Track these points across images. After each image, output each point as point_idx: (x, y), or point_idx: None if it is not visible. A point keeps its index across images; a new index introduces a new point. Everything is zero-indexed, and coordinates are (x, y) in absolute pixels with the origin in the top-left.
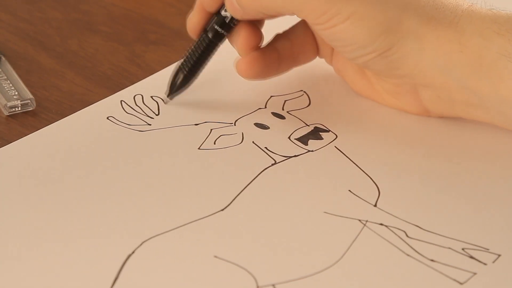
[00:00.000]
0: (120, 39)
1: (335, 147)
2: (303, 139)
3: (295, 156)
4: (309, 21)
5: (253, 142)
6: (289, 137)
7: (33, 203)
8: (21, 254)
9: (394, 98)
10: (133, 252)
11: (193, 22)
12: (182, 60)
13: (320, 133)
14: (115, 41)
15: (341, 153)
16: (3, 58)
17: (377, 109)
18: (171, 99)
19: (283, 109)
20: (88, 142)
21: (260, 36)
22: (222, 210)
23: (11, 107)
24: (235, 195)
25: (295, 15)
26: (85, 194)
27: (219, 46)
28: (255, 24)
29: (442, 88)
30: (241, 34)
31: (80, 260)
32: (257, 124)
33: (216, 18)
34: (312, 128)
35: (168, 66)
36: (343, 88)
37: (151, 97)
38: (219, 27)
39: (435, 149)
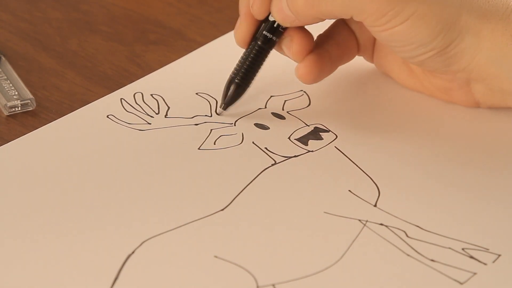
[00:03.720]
0: (120, 39)
1: (335, 147)
2: (303, 139)
3: (295, 156)
4: (367, 23)
5: (253, 142)
6: (289, 138)
7: (32, 203)
8: (21, 253)
9: (445, 93)
10: (133, 252)
11: (242, 32)
12: (233, 70)
13: (320, 133)
14: (115, 41)
15: (341, 153)
16: (3, 58)
17: (377, 109)
18: (225, 109)
19: (283, 109)
20: (88, 141)
21: (312, 39)
22: (222, 210)
23: (11, 107)
24: (235, 195)
25: (352, 17)
26: (84, 193)
27: (269, 52)
28: (303, 27)
29: (494, 80)
30: (295, 39)
31: (80, 260)
32: (257, 125)
33: (264, 24)
34: (312, 129)
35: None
36: (343, 88)
37: (151, 95)
38: (269, 33)
39: (435, 149)
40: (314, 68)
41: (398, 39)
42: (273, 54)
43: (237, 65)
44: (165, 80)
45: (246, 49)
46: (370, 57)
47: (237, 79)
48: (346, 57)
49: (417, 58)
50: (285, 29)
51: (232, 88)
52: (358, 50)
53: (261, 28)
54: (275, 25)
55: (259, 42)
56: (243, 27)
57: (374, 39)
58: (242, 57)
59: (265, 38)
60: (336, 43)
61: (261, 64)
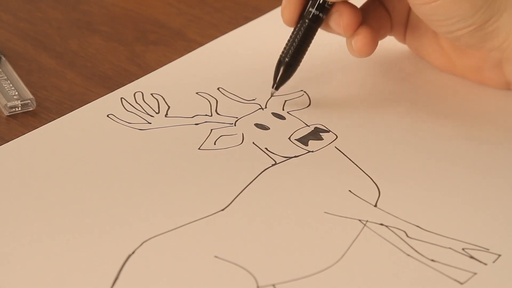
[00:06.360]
0: (120, 39)
1: (335, 147)
2: (303, 140)
3: (295, 156)
4: None
5: (253, 142)
6: (289, 138)
7: (32, 203)
8: (21, 253)
9: (476, 73)
10: (133, 252)
11: (289, 11)
12: (283, 50)
13: (320, 134)
14: (115, 41)
15: (341, 154)
16: (3, 58)
17: (377, 109)
18: (277, 90)
19: (283, 109)
20: (88, 140)
21: (360, 12)
22: (222, 210)
23: (11, 107)
24: (235, 195)
25: None
26: (85, 193)
27: (317, 30)
28: (349, 2)
29: None
30: (344, 13)
31: (80, 260)
32: (257, 125)
33: (311, 2)
34: (312, 129)
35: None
36: (343, 88)
37: (151, 94)
38: (316, 10)
39: (435, 149)
40: (371, 39)
41: (439, 13)
42: (274, 54)
43: (286, 45)
44: (165, 80)
45: (294, 29)
46: (402, 37)
47: (287, 58)
48: (381, 34)
49: (455, 33)
50: (331, 5)
51: (282, 68)
52: (391, 30)
53: (308, 6)
54: (321, 2)
55: (306, 21)
56: (290, 6)
57: (407, 19)
58: (290, 37)
59: (313, 16)
60: (373, 18)
61: (310, 42)
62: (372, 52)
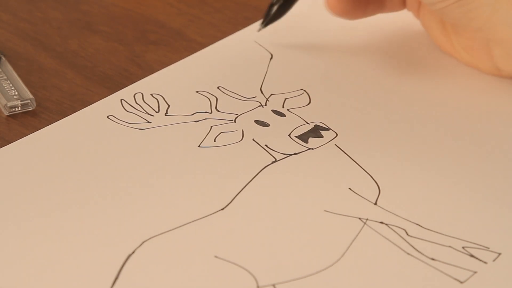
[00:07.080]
0: (120, 39)
1: (335, 145)
2: (303, 137)
3: (295, 154)
4: None
5: (253, 139)
6: (289, 135)
7: (33, 203)
8: (21, 254)
9: (468, 54)
10: (133, 252)
11: None
12: None
13: (320, 131)
14: (115, 41)
15: (341, 151)
16: (3, 58)
17: (377, 107)
18: (264, 27)
19: (283, 107)
20: (88, 142)
21: None
22: (222, 209)
23: (11, 107)
24: (235, 194)
25: None
26: (85, 193)
27: None
28: None
29: (510, 44)
30: None
31: (80, 260)
32: (257, 122)
33: None
34: (313, 126)
35: (168, 66)
36: (343, 87)
37: (151, 94)
38: None
39: (435, 147)
40: (343, 1)
41: None
42: (274, 56)
43: None
44: (165, 81)
45: None
46: (417, 14)
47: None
48: (389, 5)
49: (437, 5)
50: None
51: (275, 7)
52: (405, 4)
53: None
54: None
55: None
56: None
57: None
58: None
59: None
60: None
61: None
62: (347, 15)
